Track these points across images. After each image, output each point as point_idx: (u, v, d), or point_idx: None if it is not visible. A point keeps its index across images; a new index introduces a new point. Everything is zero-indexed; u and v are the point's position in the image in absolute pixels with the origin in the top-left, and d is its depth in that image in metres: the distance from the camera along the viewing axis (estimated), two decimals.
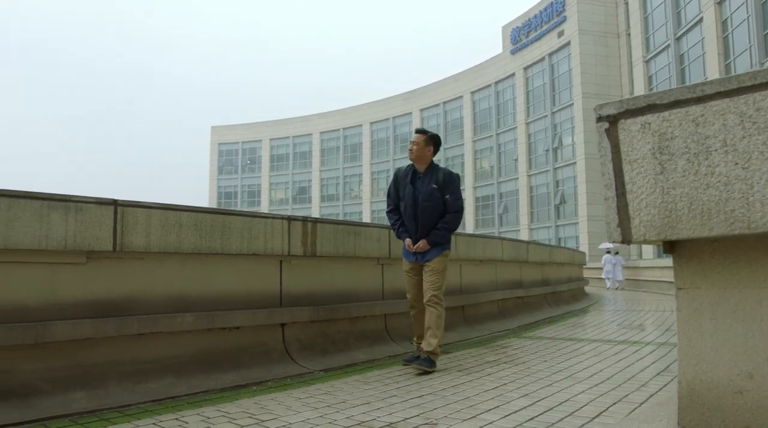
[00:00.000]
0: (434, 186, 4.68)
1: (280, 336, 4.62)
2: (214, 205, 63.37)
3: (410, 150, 4.81)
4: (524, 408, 3.27)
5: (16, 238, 3.20)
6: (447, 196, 4.68)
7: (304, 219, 4.93)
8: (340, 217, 58.01)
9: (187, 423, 2.98)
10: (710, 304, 1.33)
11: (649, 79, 33.11)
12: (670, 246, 1.37)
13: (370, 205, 56.44)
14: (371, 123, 57.56)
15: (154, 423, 2.96)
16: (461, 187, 5.05)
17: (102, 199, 3.63)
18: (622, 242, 1.35)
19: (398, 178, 4.90)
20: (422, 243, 4.66)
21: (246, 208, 61.96)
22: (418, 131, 4.86)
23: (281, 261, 4.79)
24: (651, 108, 1.28)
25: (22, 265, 3.34)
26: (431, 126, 52.73)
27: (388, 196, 4.98)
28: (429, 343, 4.49)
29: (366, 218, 55.75)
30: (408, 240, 4.76)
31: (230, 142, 65.23)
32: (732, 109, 1.20)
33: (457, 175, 4.91)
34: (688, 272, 1.36)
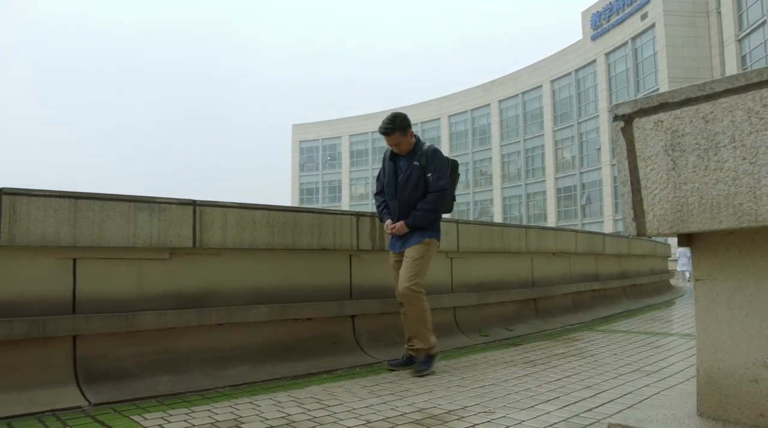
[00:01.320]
0: (416, 163, 4.29)
1: (351, 327, 4.81)
2: (296, 202, 65.15)
3: (400, 150, 4.39)
4: (584, 399, 3.31)
5: (108, 237, 3.54)
6: (429, 175, 4.26)
7: (372, 215, 5.09)
8: None
9: (259, 406, 3.20)
10: (726, 295, 1.37)
11: (743, 59, 31.30)
12: (687, 239, 1.42)
13: None
14: (449, 116, 57.34)
15: (230, 406, 3.20)
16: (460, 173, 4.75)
17: (182, 199, 3.93)
18: (638, 235, 1.41)
19: (384, 158, 4.59)
20: (399, 225, 4.28)
21: (327, 204, 63.29)
22: (383, 133, 4.33)
23: (350, 256, 4.97)
24: (663, 106, 1.33)
25: (114, 261, 3.68)
26: (509, 117, 52.04)
27: (378, 178, 4.70)
28: (425, 342, 4.19)
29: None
30: (388, 221, 4.42)
31: (311, 139, 66.70)
32: (740, 106, 1.24)
33: (441, 153, 4.45)
34: (705, 264, 1.40)
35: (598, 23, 43.12)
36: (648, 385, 3.65)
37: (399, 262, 4.37)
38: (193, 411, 3.09)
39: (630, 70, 40.18)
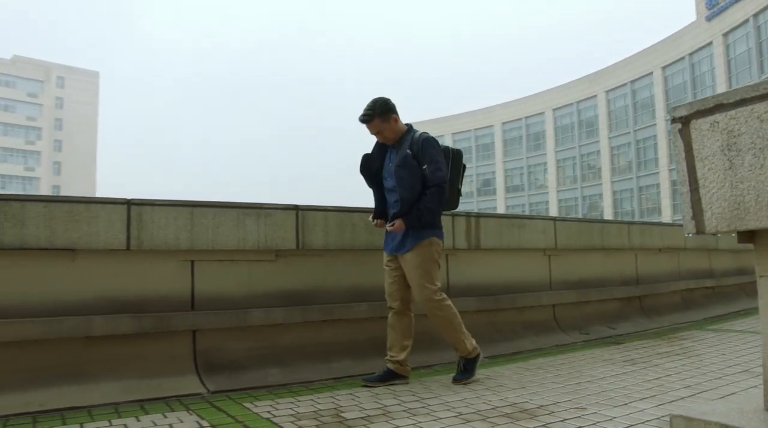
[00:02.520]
0: (408, 151, 3.80)
1: None
2: None
3: (383, 140, 3.96)
4: (682, 398, 3.26)
5: (221, 241, 3.89)
6: (425, 167, 3.75)
7: (467, 215, 5.20)
8: (526, 208, 57.13)
9: (359, 397, 3.42)
10: None
11: None
12: (749, 237, 1.44)
13: (556, 195, 54.84)
14: (554, 109, 55.83)
15: (332, 396, 3.44)
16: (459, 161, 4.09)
17: (286, 205, 4.23)
18: (697, 233, 1.45)
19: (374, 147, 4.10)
20: (398, 225, 3.76)
21: None
22: (362, 121, 3.89)
23: (447, 255, 5.10)
24: (719, 107, 1.37)
25: (226, 263, 4.03)
26: (618, 108, 49.95)
27: (361, 169, 4.12)
28: (461, 349, 3.89)
29: (553, 207, 54.33)
30: (387, 226, 3.87)
31: None
32: None
33: (435, 140, 3.93)
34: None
35: (714, 2, 40.41)
36: (756, 386, 3.52)
37: (392, 263, 3.92)
38: (299, 401, 3.35)
39: (752, 50, 37.35)
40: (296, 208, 4.24)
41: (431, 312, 3.84)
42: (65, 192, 72.13)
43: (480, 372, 4.11)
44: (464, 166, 4.15)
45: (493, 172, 60.99)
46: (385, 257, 3.99)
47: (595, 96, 51.92)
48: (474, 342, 3.94)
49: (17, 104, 70.68)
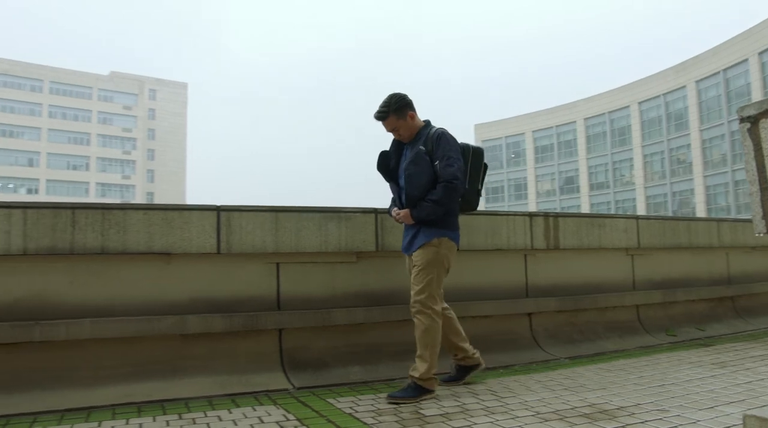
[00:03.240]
0: (421, 148, 3.64)
1: (528, 324, 4.94)
2: (482, 201, 64.74)
3: (399, 137, 3.80)
4: None
5: (304, 244, 4.08)
6: (436, 163, 3.57)
7: (546, 215, 5.18)
8: (612, 206, 55.29)
9: (437, 395, 3.50)
10: None
11: None
12: None
13: (644, 191, 52.73)
14: (639, 103, 53.71)
15: None
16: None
17: (365, 208, 4.37)
18: (767, 233, 1.44)
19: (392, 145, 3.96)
20: (404, 213, 3.63)
21: (513, 202, 62.56)
22: (377, 118, 3.75)
23: (525, 255, 5.10)
24: None
25: (309, 265, 4.21)
26: (710, 98, 47.50)
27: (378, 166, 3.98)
28: (415, 367, 3.51)
29: (640, 204, 52.29)
30: (395, 209, 3.78)
31: (493, 137, 66.39)
32: None
33: (451, 136, 3.71)
34: None
35: None
36: None
37: (409, 265, 3.76)
38: (379, 398, 3.47)
39: None
40: (375, 211, 4.37)
41: (413, 313, 3.56)
42: (158, 198, 76.01)
43: (560, 373, 4.10)
44: (485, 166, 3.92)
45: (576, 170, 59.36)
46: (406, 259, 3.84)
47: (684, 87, 49.57)
48: (434, 374, 3.50)
49: (114, 117, 75.07)
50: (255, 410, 3.22)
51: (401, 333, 4.33)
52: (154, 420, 3.04)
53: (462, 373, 3.85)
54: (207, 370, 3.69)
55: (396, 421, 2.96)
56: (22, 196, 66.76)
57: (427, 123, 3.82)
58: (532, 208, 60.05)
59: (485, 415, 3.04)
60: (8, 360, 3.40)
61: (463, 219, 4.68)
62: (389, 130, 3.77)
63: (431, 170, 3.58)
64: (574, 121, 59.46)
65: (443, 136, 3.64)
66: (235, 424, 2.95)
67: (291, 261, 4.11)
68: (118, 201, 69.51)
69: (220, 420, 3.03)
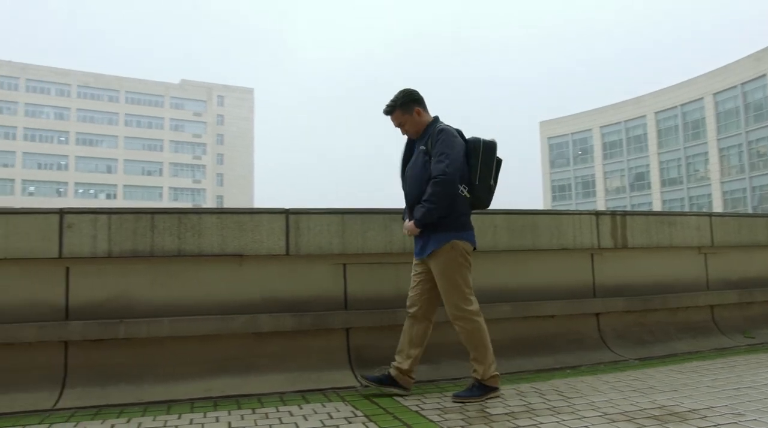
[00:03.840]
0: (422, 147, 3.56)
1: (595, 325, 4.87)
2: (548, 199, 64.03)
3: (405, 133, 3.75)
4: None
5: (369, 245, 4.18)
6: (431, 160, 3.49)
7: (613, 213, 5.10)
8: (685, 203, 53.20)
9: (503, 394, 3.52)
10: None
11: None
12: None
13: (720, 187, 50.44)
14: (714, 94, 51.42)
15: None
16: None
17: None
18: None
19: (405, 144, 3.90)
20: (409, 225, 3.56)
21: (580, 200, 61.15)
22: (384, 112, 3.71)
23: (592, 255, 5.03)
24: None
25: (375, 265, 4.30)
26: None
27: None
28: (474, 369, 3.53)
29: (717, 201, 50.06)
30: (405, 222, 3.70)
31: (559, 134, 65.04)
32: None
33: (450, 133, 3.56)
34: None
35: None
36: None
37: (417, 266, 3.69)
38: (445, 396, 3.53)
39: None
40: None
41: (453, 320, 3.54)
42: (227, 201, 78.30)
43: (628, 374, 4.04)
44: (499, 160, 3.68)
45: (647, 165, 57.37)
46: (414, 260, 3.75)
47: (764, 76, 47.12)
48: (496, 371, 3.53)
49: (185, 123, 77.81)
50: (324, 406, 3.33)
51: None
52: (230, 414, 3.20)
53: (384, 381, 3.60)
54: (278, 368, 3.84)
55: (462, 419, 3.01)
56: (101, 201, 70.18)
57: (435, 119, 3.71)
58: (600, 205, 58.45)
59: (551, 415, 3.04)
60: (98, 356, 3.65)
61: (528, 220, 4.68)
62: (396, 125, 3.72)
63: (427, 170, 3.50)
64: (644, 115, 57.50)
65: (443, 132, 3.53)
66: (306, 419, 3.06)
67: (357, 262, 4.22)
68: (189, 204, 72.05)
69: (291, 415, 3.15)
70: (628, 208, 53.78)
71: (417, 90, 3.72)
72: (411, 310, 3.67)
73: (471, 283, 3.56)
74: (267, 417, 3.12)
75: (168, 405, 3.41)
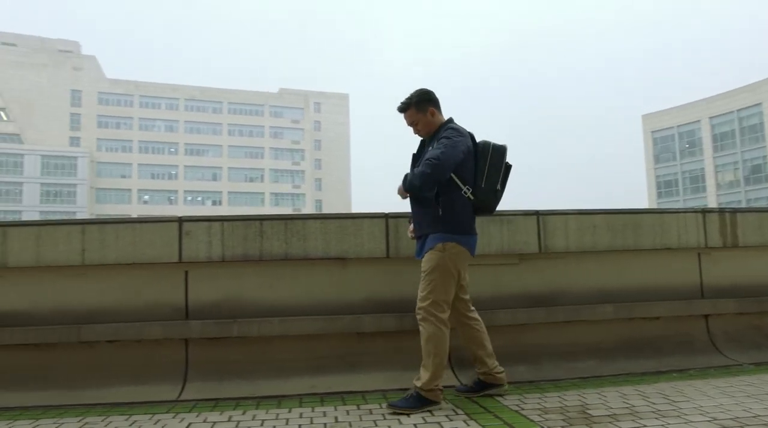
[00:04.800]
0: (430, 148, 3.52)
1: (704, 327, 4.69)
2: (653, 196, 61.12)
3: (417, 133, 3.71)
4: None
5: None
6: None
7: (721, 211, 4.88)
8: None
9: (605, 397, 3.49)
10: None
11: None
12: None
13: None
14: None
15: (578, 395, 3.56)
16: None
17: (527, 211, 4.44)
18: None
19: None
20: (411, 227, 3.65)
21: (689, 196, 58.00)
22: (398, 110, 3.68)
23: (699, 254, 4.84)
24: None
25: (473, 267, 4.33)
26: None
27: None
28: (418, 376, 3.40)
29: None
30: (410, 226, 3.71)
31: (664, 127, 61.94)
32: None
33: (456, 131, 3.49)
34: None
35: None
36: None
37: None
38: (545, 397, 3.53)
39: None
40: (536, 214, 4.42)
41: (420, 322, 3.45)
42: (326, 206, 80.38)
43: (742, 379, 3.87)
44: (508, 166, 3.58)
45: (765, 157, 53.50)
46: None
47: None
48: (440, 386, 3.38)
49: (284, 130, 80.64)
50: None
51: (567, 334, 4.36)
52: (336, 409, 3.37)
53: (479, 387, 3.62)
54: (381, 366, 3.98)
55: (562, 419, 3.02)
56: (208, 208, 73.99)
57: (448, 121, 3.65)
58: (711, 201, 55.15)
59: (655, 418, 2.99)
60: (215, 353, 3.94)
61: (629, 219, 4.59)
62: (408, 123, 3.69)
63: None
64: (760, 103, 53.64)
65: (449, 130, 3.49)
66: (408, 416, 3.18)
67: None
68: (290, 209, 74.63)
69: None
70: (744, 204, 50.43)
71: (433, 91, 3.69)
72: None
73: (451, 292, 3.47)
74: (371, 413, 3.27)
75: (278, 400, 3.63)
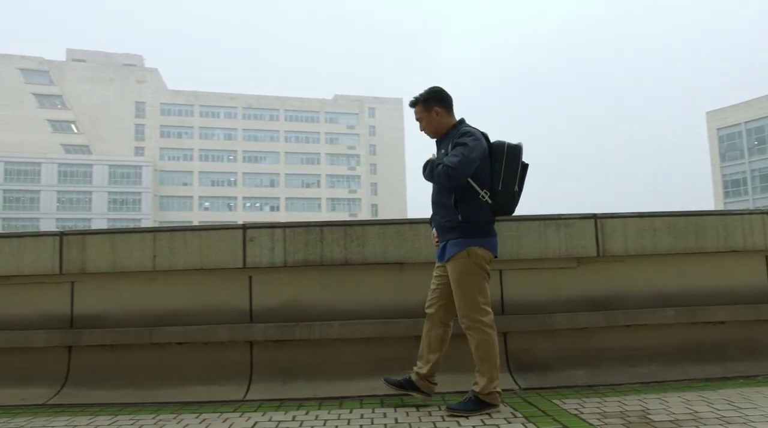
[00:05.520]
0: (443, 151, 3.52)
1: None
2: (719, 196, 58.85)
3: (422, 130, 3.69)
4: None
5: (524, 251, 4.27)
6: None
7: None
8: None
9: (667, 402, 3.45)
10: None
11: None
12: None
13: None
14: None
15: (639, 400, 3.52)
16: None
17: (584, 214, 4.42)
18: None
19: None
20: (434, 232, 3.65)
21: (758, 195, 55.60)
22: (410, 105, 3.68)
23: (766, 256, 4.71)
24: None
25: (530, 271, 4.38)
26: None
27: None
28: (476, 381, 3.43)
29: None
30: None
31: (730, 124, 59.59)
32: None
33: (474, 135, 3.44)
34: None
35: None
36: None
37: (438, 270, 3.64)
38: (605, 401, 3.52)
39: None
40: (594, 217, 4.40)
41: (465, 329, 3.46)
42: (381, 210, 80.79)
43: None
44: (524, 165, 3.52)
45: None
46: (436, 263, 3.69)
47: None
48: (499, 388, 3.41)
49: (340, 136, 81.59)
50: None
51: (627, 338, 4.32)
52: (395, 411, 3.45)
53: (405, 385, 3.63)
54: (442, 368, 4.03)
55: (622, 424, 3.01)
56: (266, 214, 75.51)
57: (459, 122, 3.62)
58: None
59: (720, 425, 2.95)
60: (278, 355, 4.09)
61: (691, 221, 4.50)
62: (416, 118, 3.68)
63: None
64: None
65: (465, 134, 3.45)
66: (467, 418, 3.23)
67: (513, 268, 4.32)
68: (346, 214, 75.38)
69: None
70: None
71: (445, 90, 3.65)
72: (429, 310, 3.63)
73: (487, 292, 3.49)
74: (430, 415, 3.34)
75: (340, 401, 3.74)
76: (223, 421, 3.34)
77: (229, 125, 79.06)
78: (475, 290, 3.42)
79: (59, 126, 73.07)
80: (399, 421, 3.22)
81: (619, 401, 3.51)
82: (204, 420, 3.38)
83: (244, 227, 4.22)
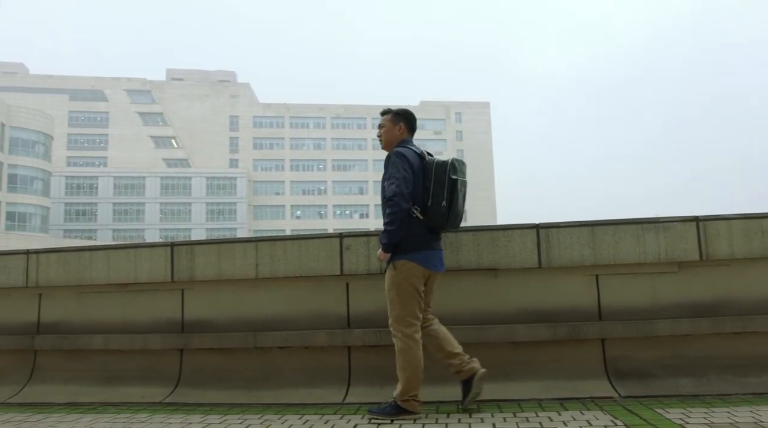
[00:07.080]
0: (384, 178, 3.71)
1: None
2: None
3: (379, 138, 3.91)
4: None
5: (622, 255, 4.19)
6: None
7: None
8: None
9: (724, 413, 3.28)
10: None
11: None
12: None
13: None
14: None
15: (750, 411, 3.35)
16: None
17: (684, 217, 4.27)
18: None
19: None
20: (379, 253, 3.67)
21: None
22: (383, 113, 3.93)
23: None
24: None
25: (628, 276, 4.27)
26: None
27: None
28: (398, 388, 3.56)
29: None
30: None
31: None
32: None
33: (401, 153, 3.61)
34: None
35: None
36: None
37: None
38: (713, 411, 3.39)
39: None
40: (695, 220, 4.24)
41: (392, 334, 3.61)
42: (470, 216, 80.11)
43: None
44: (453, 180, 3.57)
45: None
46: None
47: None
48: (417, 397, 3.54)
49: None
50: (583, 414, 3.43)
51: (735, 346, 4.13)
52: (493, 416, 3.48)
53: (465, 388, 3.67)
54: (535, 375, 4.02)
55: None
56: (356, 221, 76.75)
57: (400, 142, 3.79)
58: None
59: None
60: (374, 359, 4.21)
61: (732, 225, 4.19)
62: (379, 125, 3.94)
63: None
64: None
65: (391, 155, 3.65)
66: (566, 425, 3.20)
67: (610, 273, 4.23)
68: None
69: (551, 420, 3.32)
70: None
71: (415, 116, 3.96)
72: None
73: (413, 307, 3.56)
74: (527, 421, 3.33)
75: (437, 406, 3.79)
76: (325, 423, 3.48)
77: (318, 135, 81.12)
78: (398, 302, 3.56)
79: (161, 142, 77.69)
80: (497, 427, 3.24)
81: (728, 412, 3.36)
82: (307, 421, 3.54)
83: (341, 236, 4.37)
